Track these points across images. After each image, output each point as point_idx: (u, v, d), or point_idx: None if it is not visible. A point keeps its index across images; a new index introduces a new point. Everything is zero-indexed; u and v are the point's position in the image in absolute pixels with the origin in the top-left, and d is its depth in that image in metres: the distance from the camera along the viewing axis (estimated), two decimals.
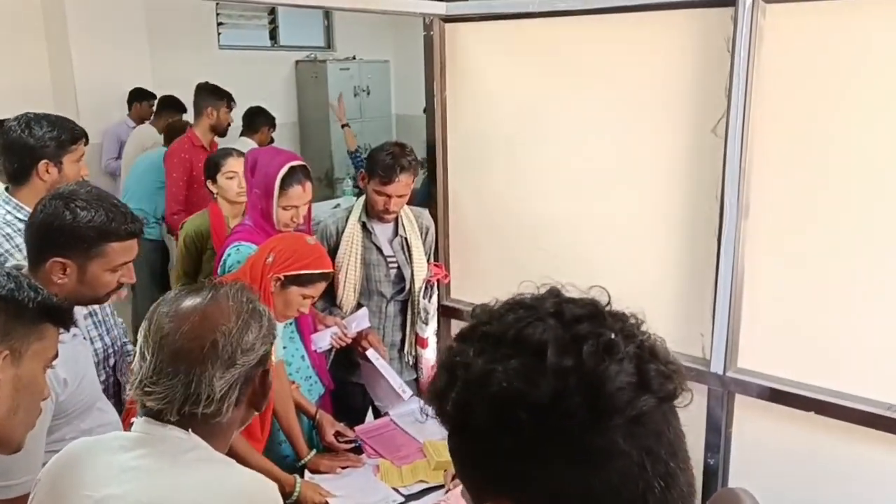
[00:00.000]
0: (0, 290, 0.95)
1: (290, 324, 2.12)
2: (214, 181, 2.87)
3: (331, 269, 1.98)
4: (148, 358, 1.05)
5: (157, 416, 1.05)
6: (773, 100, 1.75)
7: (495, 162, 2.36)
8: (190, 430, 1.06)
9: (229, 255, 2.11)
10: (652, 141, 1.99)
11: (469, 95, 2.39)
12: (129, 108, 5.03)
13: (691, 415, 2.09)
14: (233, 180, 2.82)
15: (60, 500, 1.05)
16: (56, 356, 1.06)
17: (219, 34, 6.44)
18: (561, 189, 2.22)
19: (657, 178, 2.00)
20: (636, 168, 2.04)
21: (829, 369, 1.78)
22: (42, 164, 1.99)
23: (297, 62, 7.05)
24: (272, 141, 4.88)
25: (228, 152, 2.99)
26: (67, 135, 2.05)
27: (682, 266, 2.00)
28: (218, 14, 6.40)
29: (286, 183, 2.16)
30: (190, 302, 1.09)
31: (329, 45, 7.48)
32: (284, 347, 2.10)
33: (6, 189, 2.09)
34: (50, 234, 1.51)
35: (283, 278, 1.90)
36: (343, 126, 5.17)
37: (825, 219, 1.75)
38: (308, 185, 2.22)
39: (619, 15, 1.97)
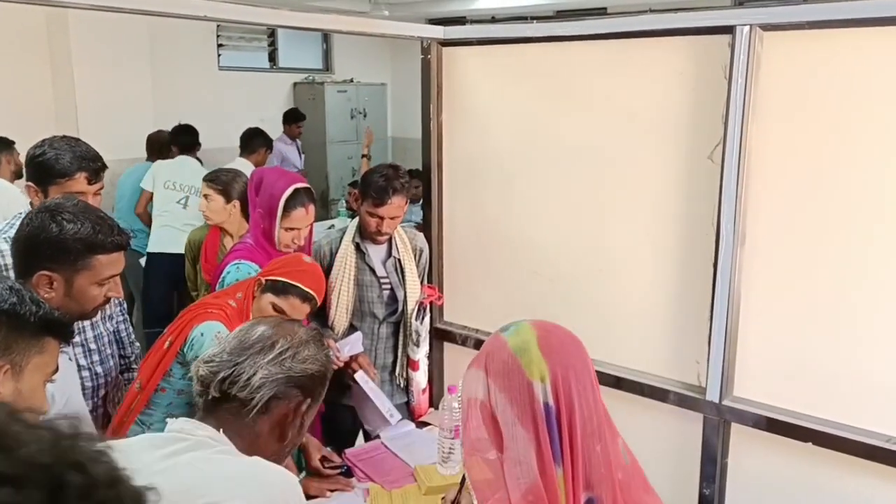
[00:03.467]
0: (2, 304, 0.95)
1: None
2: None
3: (312, 291, 1.94)
4: (223, 342, 1.20)
5: (204, 389, 1.15)
6: (770, 127, 1.75)
7: (490, 185, 2.36)
8: (221, 429, 1.12)
9: (229, 272, 2.10)
10: (648, 166, 1.99)
11: (465, 119, 2.39)
12: None
13: (687, 444, 2.06)
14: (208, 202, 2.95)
15: None
16: (56, 370, 1.07)
17: (219, 55, 6.48)
18: (556, 214, 2.21)
19: (653, 203, 1.99)
20: (632, 193, 2.03)
21: (828, 400, 1.76)
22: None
23: (296, 84, 7.09)
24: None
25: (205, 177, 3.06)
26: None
27: (678, 292, 1.98)
28: (218, 36, 6.45)
29: (290, 205, 2.18)
30: (274, 319, 1.29)
31: (327, 67, 7.54)
32: None
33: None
34: (37, 247, 1.50)
35: (263, 282, 1.92)
36: (364, 156, 5.58)
37: (823, 248, 1.73)
38: (311, 207, 2.24)
39: (617, 41, 1.98)
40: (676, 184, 1.94)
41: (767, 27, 1.70)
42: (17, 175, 3.74)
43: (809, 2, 1.71)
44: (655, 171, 1.97)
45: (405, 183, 2.29)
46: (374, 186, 2.25)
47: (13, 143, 3.80)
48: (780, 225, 1.79)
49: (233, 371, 1.14)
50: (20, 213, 2.02)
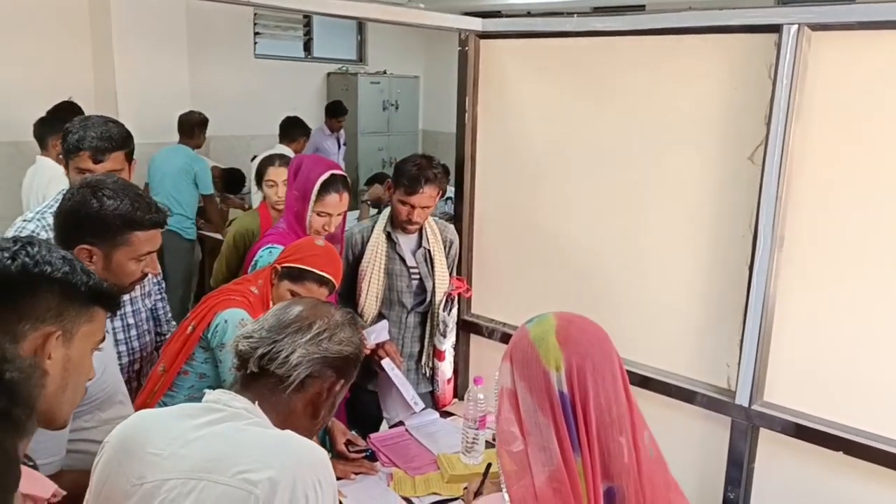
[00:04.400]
0: (56, 273, 0.97)
1: None
2: (260, 187, 3.08)
3: (326, 274, 1.92)
4: (262, 319, 1.23)
5: (242, 363, 1.18)
6: (814, 129, 1.72)
7: (523, 180, 2.35)
8: (257, 402, 1.15)
9: (261, 256, 2.13)
10: (685, 165, 1.97)
11: (500, 112, 2.39)
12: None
13: (712, 446, 2.04)
14: (272, 188, 3.02)
15: (128, 458, 1.11)
16: (103, 339, 1.09)
17: (255, 43, 6.54)
18: (588, 210, 2.20)
19: (689, 203, 1.97)
20: (667, 192, 2.01)
21: (860, 408, 1.73)
22: None
23: (329, 74, 7.13)
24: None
25: (271, 160, 3.13)
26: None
27: (711, 294, 1.96)
28: (255, 24, 6.51)
29: (324, 189, 2.21)
30: (311, 301, 1.32)
31: (361, 58, 7.57)
32: None
33: None
34: (77, 222, 1.54)
35: (279, 269, 1.93)
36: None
37: (862, 255, 1.70)
38: (345, 195, 2.25)
39: (658, 37, 1.96)
40: (714, 184, 1.91)
41: (816, 27, 1.67)
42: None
43: (860, 1, 1.67)
44: (693, 171, 1.95)
45: (437, 173, 2.29)
46: (406, 175, 2.26)
47: (61, 124, 3.88)
48: (819, 230, 1.76)
49: (271, 348, 1.16)
50: (63, 191, 2.07)
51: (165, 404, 1.91)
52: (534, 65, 2.28)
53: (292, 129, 4.96)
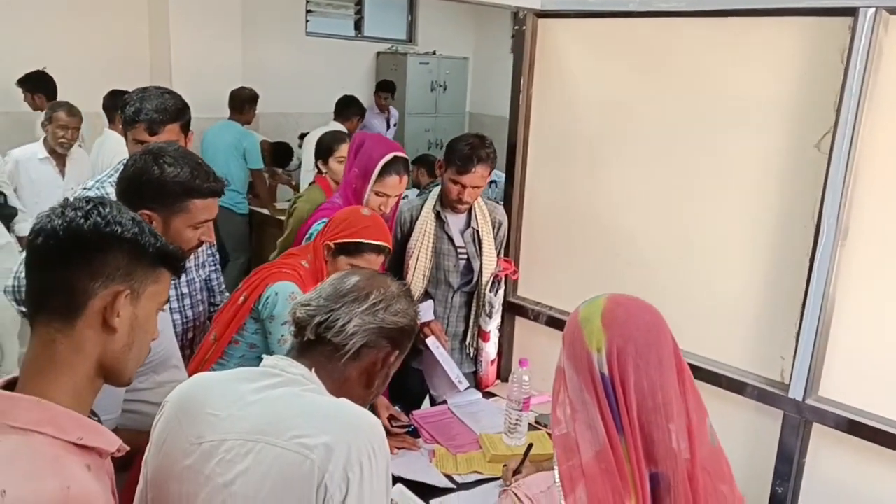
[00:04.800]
0: (126, 233, 0.98)
1: None
2: (326, 162, 3.05)
3: (382, 242, 1.94)
4: (319, 288, 1.24)
5: (299, 330, 1.19)
6: (886, 118, 1.65)
7: (576, 163, 2.32)
8: (313, 369, 1.16)
9: (316, 229, 2.14)
10: (747, 151, 1.91)
11: (556, 94, 2.35)
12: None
13: (762, 439, 1.99)
14: (342, 164, 2.98)
15: (187, 417, 1.14)
16: (168, 301, 1.11)
17: (307, 21, 6.57)
18: (643, 196, 2.16)
19: (749, 190, 1.92)
20: (727, 178, 1.96)
21: None
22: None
23: (379, 54, 7.13)
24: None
25: (342, 137, 3.14)
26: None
27: (768, 285, 1.92)
28: (308, 1, 6.54)
29: (386, 170, 2.22)
30: (368, 272, 1.32)
31: (411, 38, 7.55)
32: None
33: None
34: (139, 187, 1.58)
35: (332, 246, 1.93)
36: None
37: None
38: (405, 178, 2.28)
39: (724, 19, 1.90)
40: (777, 172, 1.86)
41: (895, 11, 1.60)
42: None
43: None
44: (755, 157, 1.90)
45: (490, 153, 2.28)
46: (458, 154, 2.25)
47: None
48: (885, 223, 1.70)
49: (328, 316, 1.17)
50: (123, 160, 2.12)
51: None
52: (592, 45, 2.24)
53: (347, 109, 5.02)
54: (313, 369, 1.16)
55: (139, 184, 1.58)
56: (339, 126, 4.77)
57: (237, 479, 1.05)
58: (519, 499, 1.03)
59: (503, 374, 2.58)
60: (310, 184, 3.03)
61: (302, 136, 5.34)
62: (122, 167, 1.99)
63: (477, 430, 2.17)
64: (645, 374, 1.04)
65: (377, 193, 2.23)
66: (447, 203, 2.37)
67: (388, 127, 6.16)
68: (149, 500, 1.16)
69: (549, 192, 2.43)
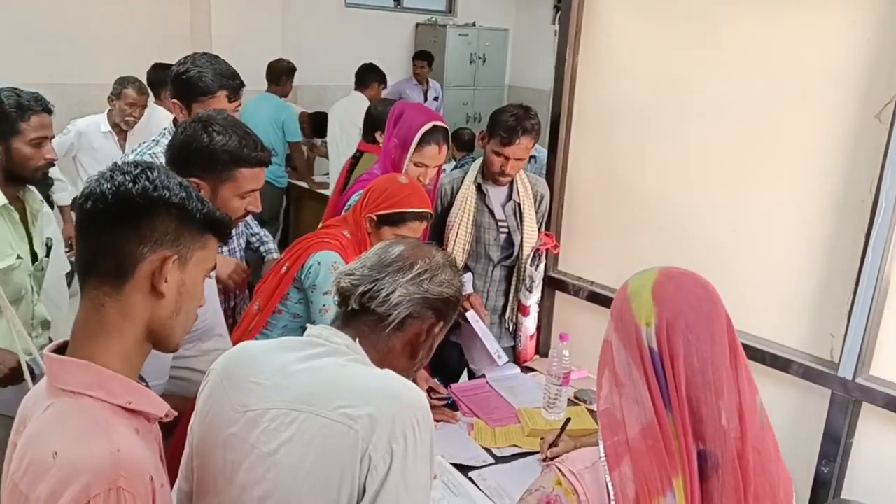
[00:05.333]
0: (173, 198, 0.98)
1: None
2: (382, 132, 2.94)
3: (424, 209, 1.93)
4: (363, 257, 1.23)
5: (343, 300, 1.18)
6: None
7: (622, 136, 2.27)
8: (357, 339, 1.15)
9: (355, 200, 2.14)
10: (801, 122, 1.84)
11: (602, 64, 2.30)
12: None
13: (808, 419, 1.94)
14: None
15: (232, 385, 1.14)
16: (214, 268, 1.11)
17: None
18: (690, 169, 2.10)
19: (803, 163, 1.85)
20: (778, 149, 1.90)
21: None
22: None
23: (418, 25, 7.06)
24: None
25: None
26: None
27: (819, 262, 1.86)
28: None
29: (425, 140, 2.19)
30: (412, 241, 1.31)
31: (450, 9, 7.45)
32: None
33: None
34: (188, 155, 1.59)
35: (375, 218, 1.92)
36: None
37: None
38: (444, 148, 2.24)
39: None
40: (833, 143, 1.79)
41: None
42: None
43: None
44: (809, 128, 1.83)
45: (535, 124, 2.24)
46: (503, 125, 2.22)
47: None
48: None
49: (372, 286, 1.16)
50: (164, 130, 2.15)
51: None
52: (642, 14, 2.17)
53: (365, 76, 4.93)
54: (357, 339, 1.16)
55: (188, 152, 1.59)
56: (360, 96, 4.74)
57: (281, 448, 1.06)
58: (563, 474, 1.01)
59: (542, 349, 2.57)
60: (356, 156, 2.88)
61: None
62: (157, 142, 2.03)
63: (515, 404, 2.17)
64: (696, 349, 1.01)
65: (416, 164, 2.21)
66: (489, 175, 2.34)
67: (426, 100, 6.11)
68: (194, 467, 1.17)
69: (593, 165, 2.38)
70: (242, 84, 2.14)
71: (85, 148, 3.76)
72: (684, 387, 0.99)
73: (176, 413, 1.06)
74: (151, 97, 3.92)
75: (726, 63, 1.98)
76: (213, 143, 1.57)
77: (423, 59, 6.07)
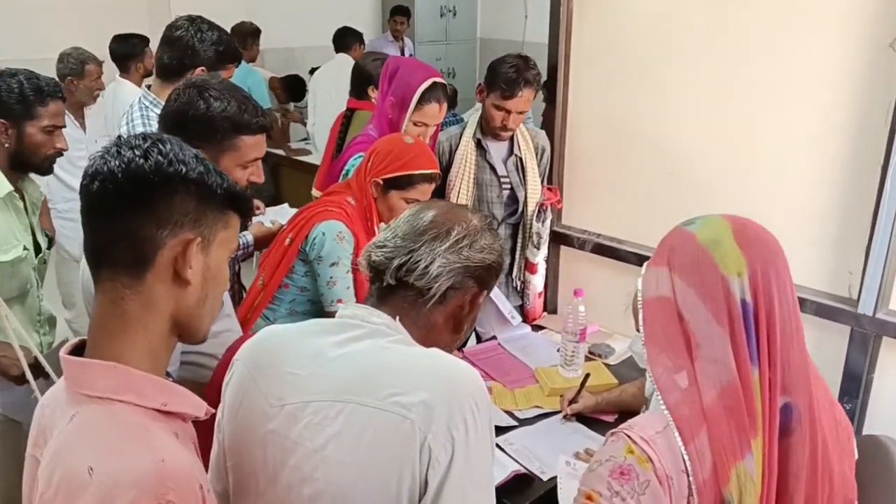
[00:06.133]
0: (191, 173, 0.87)
1: None
2: (376, 88, 2.76)
3: (432, 169, 1.86)
4: (393, 226, 1.12)
5: (376, 276, 1.09)
6: None
7: (623, 79, 2.19)
8: (397, 317, 1.06)
9: (353, 165, 2.05)
10: (811, 54, 1.79)
11: (599, 8, 2.21)
12: None
13: (826, 356, 1.93)
14: None
15: (264, 377, 1.05)
16: (238, 248, 1.01)
17: None
18: (697, 110, 2.04)
19: (814, 96, 1.81)
20: (789, 84, 1.84)
21: None
22: (198, 71, 1.98)
23: None
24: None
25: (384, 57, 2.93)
26: (230, 51, 2.05)
27: (835, 197, 1.83)
28: None
29: (425, 98, 2.09)
30: (446, 204, 1.19)
31: None
32: None
33: (148, 87, 2.09)
34: (184, 123, 1.47)
35: (381, 182, 1.84)
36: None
37: None
38: (444, 105, 2.14)
39: None
40: (845, 74, 1.74)
41: None
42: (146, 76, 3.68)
43: None
44: (820, 59, 1.78)
45: (536, 75, 2.16)
46: (503, 78, 2.13)
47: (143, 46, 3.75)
48: None
49: (409, 258, 1.06)
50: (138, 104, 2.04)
51: (267, 318, 1.91)
52: None
53: (345, 38, 4.84)
54: (397, 318, 1.06)
55: (184, 120, 1.47)
56: (347, 58, 4.61)
57: (329, 444, 0.97)
58: (634, 441, 0.96)
59: (549, 306, 2.53)
60: (346, 114, 2.70)
61: (313, 71, 5.16)
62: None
63: (529, 364, 2.14)
64: (785, 297, 0.97)
65: (416, 123, 2.11)
66: (488, 130, 2.26)
67: (403, 55, 5.94)
68: (228, 466, 1.09)
69: (594, 113, 2.31)
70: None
71: None
72: (778, 338, 0.95)
73: (213, 411, 0.95)
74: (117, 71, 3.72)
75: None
76: (211, 109, 1.46)
77: (402, 15, 5.88)
